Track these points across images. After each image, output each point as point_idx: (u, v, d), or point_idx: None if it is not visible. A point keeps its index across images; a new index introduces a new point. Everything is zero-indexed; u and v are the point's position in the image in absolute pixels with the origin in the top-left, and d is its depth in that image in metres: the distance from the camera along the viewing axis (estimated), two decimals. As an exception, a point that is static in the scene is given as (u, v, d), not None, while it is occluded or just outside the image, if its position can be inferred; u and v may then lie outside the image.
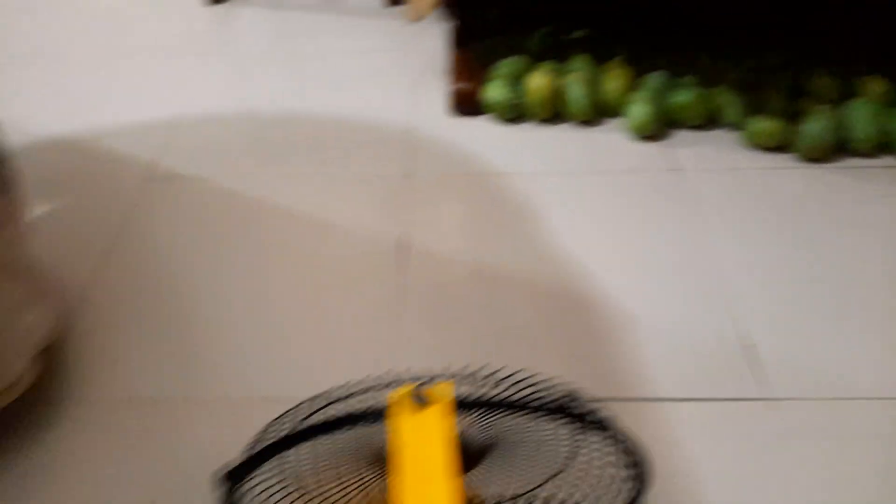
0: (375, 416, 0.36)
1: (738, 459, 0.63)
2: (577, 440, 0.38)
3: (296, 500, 0.42)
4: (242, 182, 0.99)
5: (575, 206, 0.92)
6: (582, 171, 0.97)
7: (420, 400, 0.35)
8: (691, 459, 0.63)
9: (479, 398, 0.37)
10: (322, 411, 0.39)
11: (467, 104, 1.07)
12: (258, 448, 0.39)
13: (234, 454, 0.64)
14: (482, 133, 1.05)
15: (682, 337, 0.74)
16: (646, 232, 0.87)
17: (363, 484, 0.43)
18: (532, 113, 1.05)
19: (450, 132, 1.06)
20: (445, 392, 0.36)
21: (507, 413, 0.37)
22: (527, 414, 0.37)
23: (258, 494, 0.41)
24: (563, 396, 0.37)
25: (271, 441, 0.38)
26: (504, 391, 0.38)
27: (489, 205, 0.93)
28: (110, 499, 0.62)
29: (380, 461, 0.43)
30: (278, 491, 0.40)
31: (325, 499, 0.42)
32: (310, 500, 0.42)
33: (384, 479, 0.44)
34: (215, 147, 1.07)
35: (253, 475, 0.40)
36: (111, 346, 0.76)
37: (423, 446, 0.33)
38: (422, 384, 0.36)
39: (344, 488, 0.43)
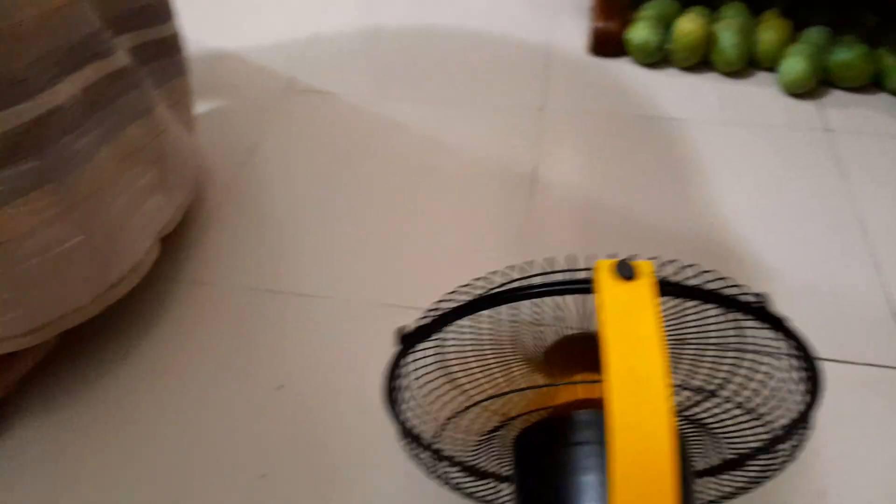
0: (574, 287, 0.36)
1: (883, 425, 0.61)
2: (756, 338, 0.37)
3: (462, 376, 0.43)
4: (374, 100, 1.00)
5: (715, 155, 0.88)
6: (725, 122, 0.93)
7: (626, 271, 0.34)
8: (839, 421, 0.61)
9: (676, 282, 0.36)
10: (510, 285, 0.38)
11: (609, 44, 1.04)
12: (440, 313, 0.39)
13: (357, 352, 0.67)
14: (622, 74, 1.02)
15: (827, 297, 0.71)
16: (791, 189, 0.83)
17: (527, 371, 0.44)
18: (678, 58, 1.01)
19: (587, 70, 1.03)
20: (649, 269, 0.35)
21: (693, 301, 0.36)
22: (712, 305, 0.36)
23: (429, 360, 0.42)
24: (747, 294, 0.36)
25: (460, 304, 0.39)
26: (690, 280, 0.37)
27: (623, 146, 0.91)
28: (237, 382, 0.66)
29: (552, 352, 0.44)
30: (452, 359, 0.41)
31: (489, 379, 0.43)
32: (472, 380, 0.43)
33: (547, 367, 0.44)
34: (350, 65, 1.08)
35: (427, 340, 0.41)
36: (236, 242, 0.80)
37: (632, 322, 0.33)
38: (627, 258, 0.35)
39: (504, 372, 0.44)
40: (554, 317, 0.42)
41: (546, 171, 0.87)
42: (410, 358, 0.43)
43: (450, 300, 0.41)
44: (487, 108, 0.97)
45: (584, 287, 0.36)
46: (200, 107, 0.98)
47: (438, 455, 0.48)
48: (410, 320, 0.41)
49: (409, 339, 0.41)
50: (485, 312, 0.41)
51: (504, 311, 0.42)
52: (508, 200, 0.83)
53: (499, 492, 0.52)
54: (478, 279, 0.42)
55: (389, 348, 0.42)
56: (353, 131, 0.95)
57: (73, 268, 0.58)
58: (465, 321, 0.41)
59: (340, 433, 0.61)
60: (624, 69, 1.03)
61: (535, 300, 0.39)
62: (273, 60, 1.10)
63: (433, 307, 0.41)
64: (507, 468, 0.50)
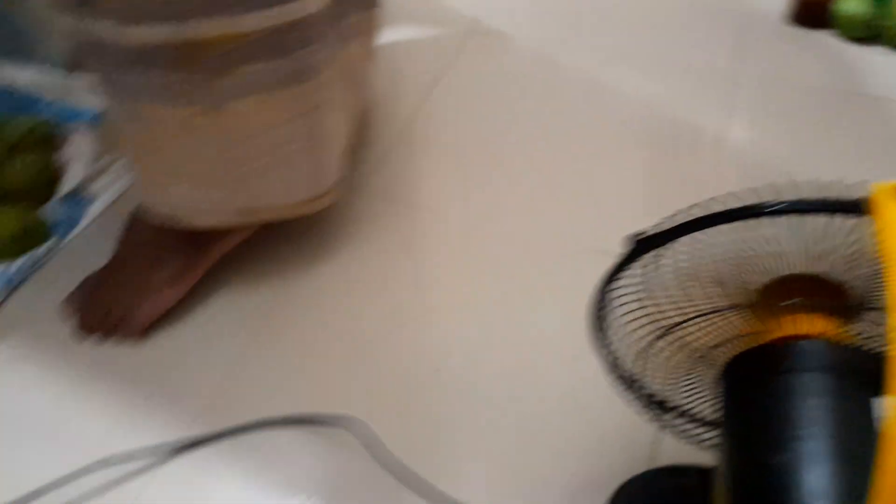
0: (843, 205, 0.34)
1: None
2: None
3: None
4: (555, 47, 0.99)
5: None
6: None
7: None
8: None
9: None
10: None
11: (813, 14, 0.98)
12: (683, 221, 0.38)
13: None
14: (825, 47, 0.96)
15: None
16: None
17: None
18: (892, 35, 0.93)
19: (785, 39, 0.97)
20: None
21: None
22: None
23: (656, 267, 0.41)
24: None
25: (706, 214, 0.37)
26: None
27: (821, 121, 0.85)
28: (411, 293, 0.68)
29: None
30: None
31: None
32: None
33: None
34: (533, 10, 1.08)
35: (660, 248, 0.40)
36: (413, 167, 0.82)
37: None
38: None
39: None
40: (780, 251, 0.40)
41: (735, 135, 0.83)
42: (629, 272, 0.42)
43: (684, 215, 0.40)
44: (675, 69, 0.94)
45: (854, 207, 0.34)
46: (385, 37, 1.01)
47: (641, 390, 0.48)
48: (596, 265, 0.41)
49: (644, 244, 0.40)
50: (708, 239, 0.40)
51: (730, 236, 0.40)
52: (693, 162, 0.80)
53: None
54: (710, 200, 0.40)
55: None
56: (534, 77, 0.95)
57: (293, 169, 0.63)
58: (683, 243, 0.40)
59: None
60: (827, 42, 0.97)
61: (774, 224, 0.37)
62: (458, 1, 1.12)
63: (665, 220, 0.40)
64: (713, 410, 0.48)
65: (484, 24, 1.06)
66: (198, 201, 0.62)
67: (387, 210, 0.76)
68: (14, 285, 0.69)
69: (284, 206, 0.65)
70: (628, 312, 0.44)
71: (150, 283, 0.64)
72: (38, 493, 0.52)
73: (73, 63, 0.66)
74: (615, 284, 0.43)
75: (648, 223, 0.39)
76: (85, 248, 0.74)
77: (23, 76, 0.89)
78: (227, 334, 0.64)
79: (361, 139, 0.77)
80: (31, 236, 0.72)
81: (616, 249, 0.40)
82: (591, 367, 0.56)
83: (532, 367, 0.61)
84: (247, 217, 0.65)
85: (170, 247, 0.65)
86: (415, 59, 0.99)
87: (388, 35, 1.01)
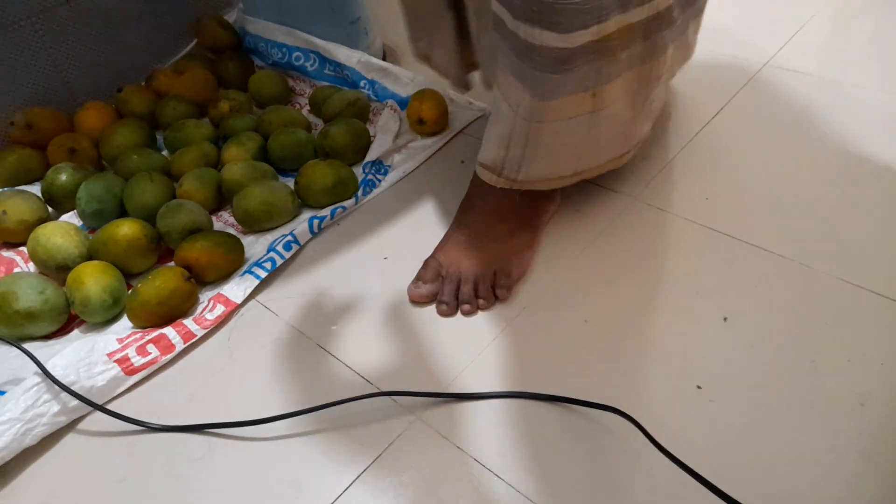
0: None
1: None
2: None
3: None
4: (853, 90, 0.91)
5: None
6: None
7: None
8: None
9: None
10: None
11: None
12: None
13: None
14: None
15: None
16: None
17: None
18: None
19: None
20: None
21: None
22: None
23: None
24: None
25: None
26: None
27: None
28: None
29: None
30: None
31: None
32: None
33: None
34: (833, 48, 1.00)
35: None
36: (692, 178, 0.80)
37: None
38: None
39: None
40: None
41: None
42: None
43: None
44: None
45: None
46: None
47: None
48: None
49: None
50: None
51: None
52: None
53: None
54: None
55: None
56: (824, 113, 0.88)
57: (622, 133, 0.69)
58: None
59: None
60: None
61: None
62: (758, 34, 1.08)
63: None
64: None
65: (779, 57, 1.01)
66: (554, 170, 0.68)
67: (657, 218, 0.75)
68: (320, 229, 0.80)
69: (600, 165, 0.71)
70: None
71: (511, 248, 0.70)
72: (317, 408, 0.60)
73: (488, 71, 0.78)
74: None
75: None
76: (377, 208, 0.83)
77: (352, 58, 1.02)
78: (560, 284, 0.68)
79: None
80: (343, 188, 0.83)
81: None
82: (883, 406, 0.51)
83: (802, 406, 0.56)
84: (574, 178, 0.71)
85: (517, 214, 0.71)
86: (706, 80, 0.98)
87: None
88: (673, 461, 0.51)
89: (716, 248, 0.71)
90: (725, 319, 0.64)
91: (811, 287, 0.66)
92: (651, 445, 0.52)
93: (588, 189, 0.80)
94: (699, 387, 0.58)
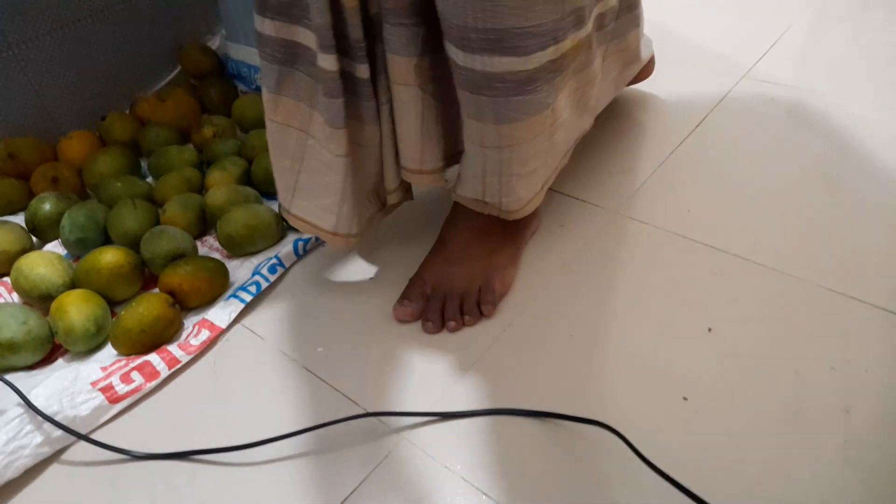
0: None
1: None
2: None
3: None
4: (833, 100, 0.92)
5: None
6: None
7: None
8: None
9: None
10: None
11: None
12: None
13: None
14: None
15: None
16: None
17: None
18: None
19: None
20: None
21: None
22: None
23: None
24: None
25: None
26: None
27: None
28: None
29: None
30: None
31: None
32: None
33: None
34: (809, 63, 1.02)
35: None
36: (678, 189, 0.80)
37: None
38: None
39: None
40: None
41: None
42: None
43: None
44: None
45: None
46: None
47: None
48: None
49: None
50: None
51: None
52: None
53: None
54: None
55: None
56: (803, 124, 0.90)
57: (565, 141, 0.68)
58: None
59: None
60: None
61: None
62: (735, 47, 1.09)
63: None
64: None
65: (756, 70, 1.03)
66: (532, 189, 0.67)
67: (640, 231, 0.76)
68: (305, 251, 0.80)
69: (556, 168, 0.70)
70: None
71: (495, 265, 0.70)
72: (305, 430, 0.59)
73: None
74: None
75: None
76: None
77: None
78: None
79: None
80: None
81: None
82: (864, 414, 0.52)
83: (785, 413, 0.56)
84: (543, 190, 0.70)
85: (500, 231, 0.72)
86: (685, 98, 0.99)
87: (664, 71, 1.02)
88: (659, 474, 0.50)
89: (699, 259, 0.72)
90: (710, 330, 0.64)
91: (794, 296, 0.66)
92: (637, 459, 0.52)
93: (570, 204, 0.81)
94: (685, 398, 0.58)
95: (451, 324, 0.66)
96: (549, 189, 0.76)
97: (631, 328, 0.65)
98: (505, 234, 0.72)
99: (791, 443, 0.54)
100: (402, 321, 0.69)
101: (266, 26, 0.60)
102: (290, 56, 0.61)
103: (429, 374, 0.63)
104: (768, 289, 0.67)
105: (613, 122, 0.95)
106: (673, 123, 0.93)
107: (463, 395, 0.61)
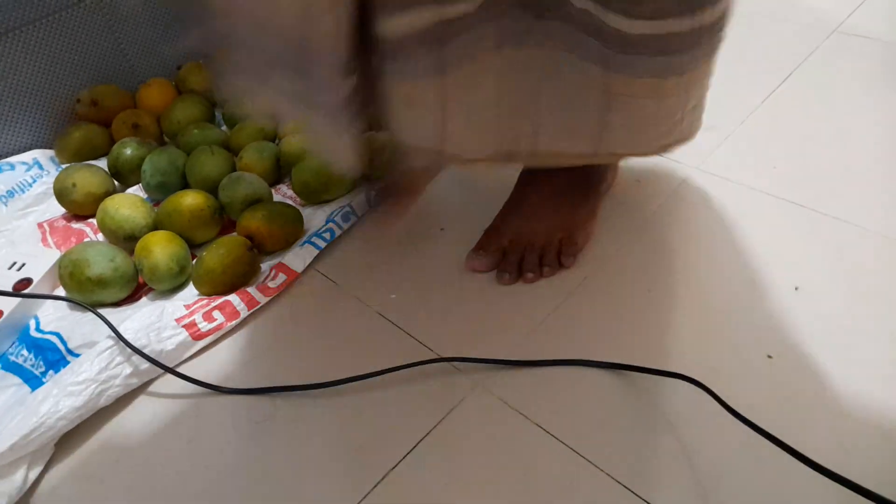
0: None
1: None
2: None
3: None
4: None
5: None
6: None
7: None
8: None
9: None
10: None
11: None
12: None
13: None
14: None
15: None
16: None
17: None
18: None
19: None
20: None
21: None
22: None
23: None
24: None
25: None
26: None
27: None
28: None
29: None
30: None
31: None
32: None
33: None
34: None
35: None
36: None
37: None
38: None
39: None
40: None
41: None
42: None
43: None
44: None
45: None
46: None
47: None
48: None
49: None
50: None
51: None
52: None
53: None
54: None
55: None
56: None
57: (660, 130, 0.63)
58: None
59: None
60: None
61: None
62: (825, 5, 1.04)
63: None
64: None
65: (847, 24, 0.97)
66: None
67: (721, 188, 0.73)
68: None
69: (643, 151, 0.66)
70: None
71: (576, 218, 0.69)
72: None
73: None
74: None
75: None
76: (434, 179, 0.82)
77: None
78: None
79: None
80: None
81: None
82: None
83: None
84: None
85: (578, 187, 0.70)
86: (772, 52, 0.94)
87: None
88: (747, 425, 0.49)
89: (785, 217, 0.69)
90: (797, 289, 0.62)
91: (885, 257, 0.63)
92: (723, 412, 0.51)
93: (645, 159, 0.78)
94: (769, 356, 0.56)
95: (530, 275, 0.66)
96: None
97: (712, 285, 0.63)
98: (584, 188, 0.71)
99: (888, 407, 0.52)
100: (476, 271, 0.68)
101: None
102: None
103: (503, 322, 0.63)
104: (858, 248, 0.64)
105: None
106: (761, 78, 0.89)
107: (537, 345, 0.61)
